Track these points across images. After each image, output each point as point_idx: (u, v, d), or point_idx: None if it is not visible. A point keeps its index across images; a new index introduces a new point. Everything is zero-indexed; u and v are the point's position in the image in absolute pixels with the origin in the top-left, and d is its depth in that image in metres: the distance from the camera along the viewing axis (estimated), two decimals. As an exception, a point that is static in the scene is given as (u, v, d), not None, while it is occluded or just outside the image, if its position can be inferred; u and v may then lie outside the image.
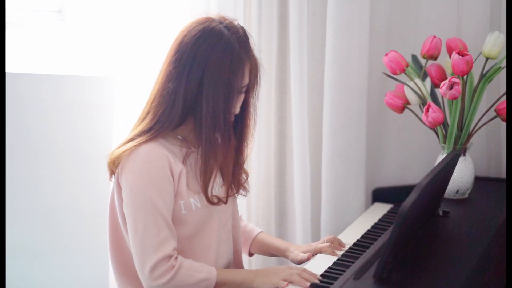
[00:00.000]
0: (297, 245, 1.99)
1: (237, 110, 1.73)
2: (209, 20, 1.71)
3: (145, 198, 1.63)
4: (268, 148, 2.42)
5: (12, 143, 2.37)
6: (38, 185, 2.44)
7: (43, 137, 2.42)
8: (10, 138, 2.36)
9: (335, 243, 1.94)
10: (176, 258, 1.64)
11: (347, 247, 1.93)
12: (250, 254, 2.00)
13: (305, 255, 1.88)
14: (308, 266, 1.80)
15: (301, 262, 1.88)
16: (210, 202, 1.73)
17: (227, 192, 1.78)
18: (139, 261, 1.63)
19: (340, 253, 1.89)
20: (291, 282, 1.66)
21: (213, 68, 1.66)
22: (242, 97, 1.73)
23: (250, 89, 1.75)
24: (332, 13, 2.27)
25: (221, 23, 1.70)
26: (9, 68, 2.33)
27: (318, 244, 1.93)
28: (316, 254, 1.90)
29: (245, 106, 1.77)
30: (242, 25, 1.76)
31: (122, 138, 2.32)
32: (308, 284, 1.65)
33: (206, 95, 1.66)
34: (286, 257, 1.95)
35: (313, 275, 1.69)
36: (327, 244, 1.92)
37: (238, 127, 1.78)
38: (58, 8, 2.50)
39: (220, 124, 1.68)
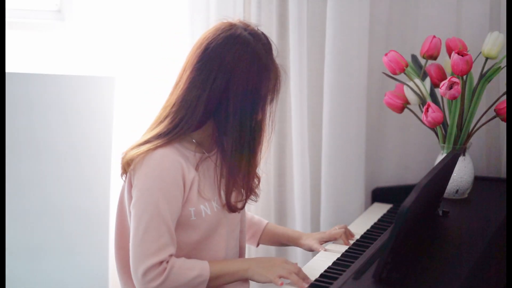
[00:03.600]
0: (309, 233, 2.01)
1: (260, 116, 1.73)
2: (233, 27, 1.70)
3: (151, 201, 1.63)
4: (268, 148, 2.42)
5: (12, 143, 2.37)
6: (37, 185, 2.44)
7: (43, 137, 2.42)
8: (10, 138, 2.36)
9: (347, 232, 1.97)
10: (168, 261, 1.64)
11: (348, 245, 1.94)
12: (257, 245, 2.02)
13: (319, 246, 1.90)
14: (308, 264, 1.80)
15: (313, 251, 1.91)
16: (231, 210, 1.75)
17: (246, 199, 1.78)
18: (134, 263, 1.63)
19: (343, 250, 1.89)
20: (287, 279, 1.66)
21: (240, 75, 1.66)
22: (264, 103, 1.72)
23: (270, 95, 1.74)
24: (332, 13, 2.27)
25: (245, 30, 1.70)
26: (9, 68, 2.33)
27: (332, 231, 1.96)
28: (330, 241, 1.94)
29: (263, 111, 1.75)
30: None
31: (122, 138, 2.34)
32: (306, 285, 1.65)
33: (233, 103, 1.66)
34: (299, 245, 1.97)
35: (306, 276, 1.69)
36: (341, 230, 1.95)
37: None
38: (58, 8, 2.50)
39: (246, 132, 1.68)
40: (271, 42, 1.74)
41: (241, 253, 1.89)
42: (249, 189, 1.78)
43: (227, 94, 1.66)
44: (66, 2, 2.47)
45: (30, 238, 2.44)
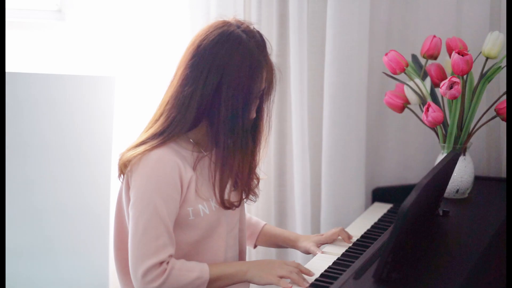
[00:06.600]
0: (307, 235, 2.00)
1: (254, 115, 1.72)
2: (226, 24, 1.70)
3: (149, 202, 1.63)
4: (268, 148, 2.42)
5: (12, 143, 2.37)
6: (36, 185, 2.44)
7: (43, 136, 2.42)
8: (10, 138, 2.36)
9: (343, 234, 1.95)
10: (168, 262, 1.63)
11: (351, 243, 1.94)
12: (255, 246, 2.01)
13: (316, 249, 1.89)
14: (309, 264, 1.80)
15: (310, 253, 1.90)
16: (225, 207, 1.73)
17: (241, 197, 1.78)
18: (133, 263, 1.63)
19: (342, 250, 1.89)
20: (289, 279, 1.66)
21: (232, 72, 1.65)
22: (257, 102, 1.72)
23: (265, 94, 1.73)
24: (332, 13, 2.27)
25: (238, 27, 1.69)
26: (9, 67, 2.33)
27: (329, 234, 1.95)
28: (327, 243, 1.93)
29: (259, 111, 1.75)
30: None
31: (122, 138, 2.34)
32: (307, 284, 1.65)
33: (225, 100, 1.65)
34: (296, 247, 1.96)
35: (308, 270, 1.70)
36: (339, 228, 1.94)
37: (252, 132, 1.76)
38: (58, 8, 2.50)
39: (238, 129, 1.67)
40: (266, 40, 1.73)
41: (241, 255, 1.88)
42: (247, 188, 1.78)
43: (220, 91, 1.65)
44: (66, 2, 2.47)
45: (30, 238, 2.45)
